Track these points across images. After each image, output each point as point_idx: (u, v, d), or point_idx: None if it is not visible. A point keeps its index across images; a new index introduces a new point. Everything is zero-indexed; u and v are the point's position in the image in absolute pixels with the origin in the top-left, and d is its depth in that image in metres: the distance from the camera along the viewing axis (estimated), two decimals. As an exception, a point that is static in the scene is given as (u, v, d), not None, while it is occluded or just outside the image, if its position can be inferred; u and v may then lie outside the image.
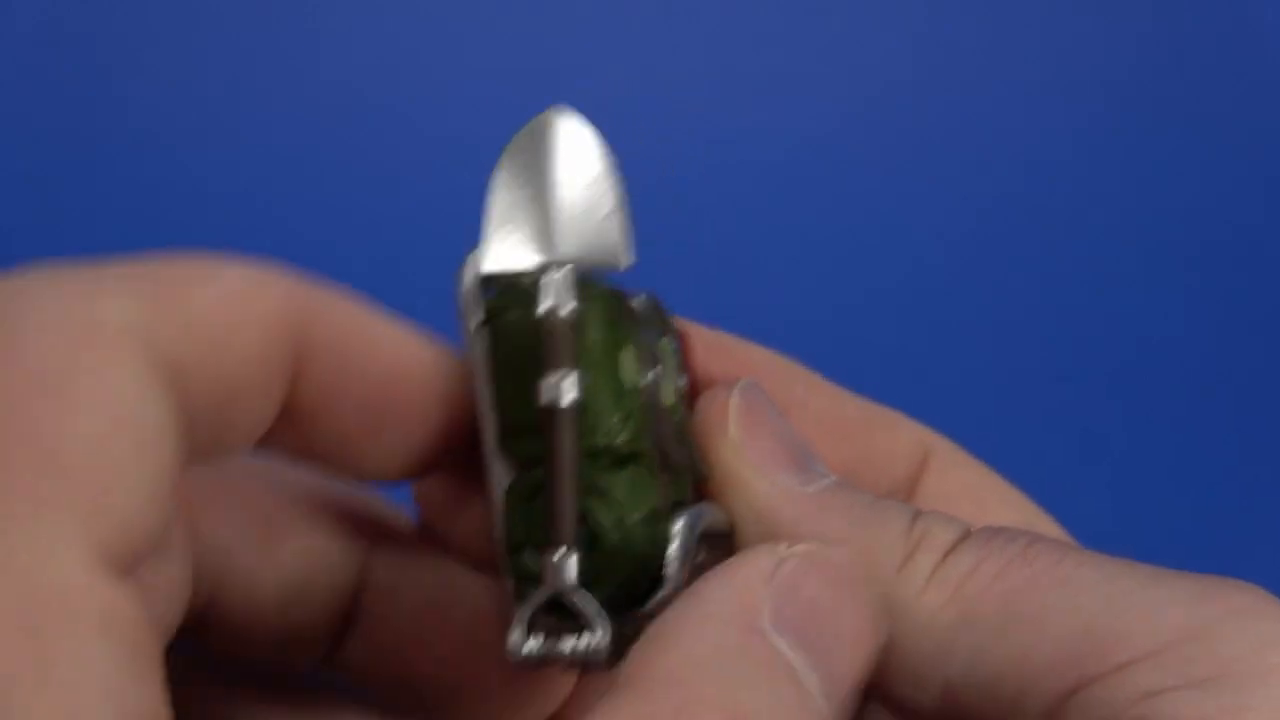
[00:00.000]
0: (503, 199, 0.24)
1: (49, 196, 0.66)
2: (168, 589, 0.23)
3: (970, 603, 0.22)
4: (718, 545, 0.24)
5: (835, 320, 0.65)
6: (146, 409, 0.20)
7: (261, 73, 0.68)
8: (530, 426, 0.23)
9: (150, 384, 0.20)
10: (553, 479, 0.23)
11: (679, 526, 0.23)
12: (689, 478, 0.24)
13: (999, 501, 0.28)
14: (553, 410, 0.23)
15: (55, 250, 0.72)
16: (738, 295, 0.58)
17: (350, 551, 0.27)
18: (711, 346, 0.27)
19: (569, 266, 0.23)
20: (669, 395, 0.25)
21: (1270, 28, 0.70)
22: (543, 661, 0.22)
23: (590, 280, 0.24)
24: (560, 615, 0.23)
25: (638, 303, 0.25)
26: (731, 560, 0.22)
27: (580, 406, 0.23)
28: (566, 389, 0.23)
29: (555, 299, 0.23)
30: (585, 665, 0.23)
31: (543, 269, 0.23)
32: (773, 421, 0.25)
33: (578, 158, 0.24)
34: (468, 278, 0.25)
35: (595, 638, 0.22)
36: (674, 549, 0.23)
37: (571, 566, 0.23)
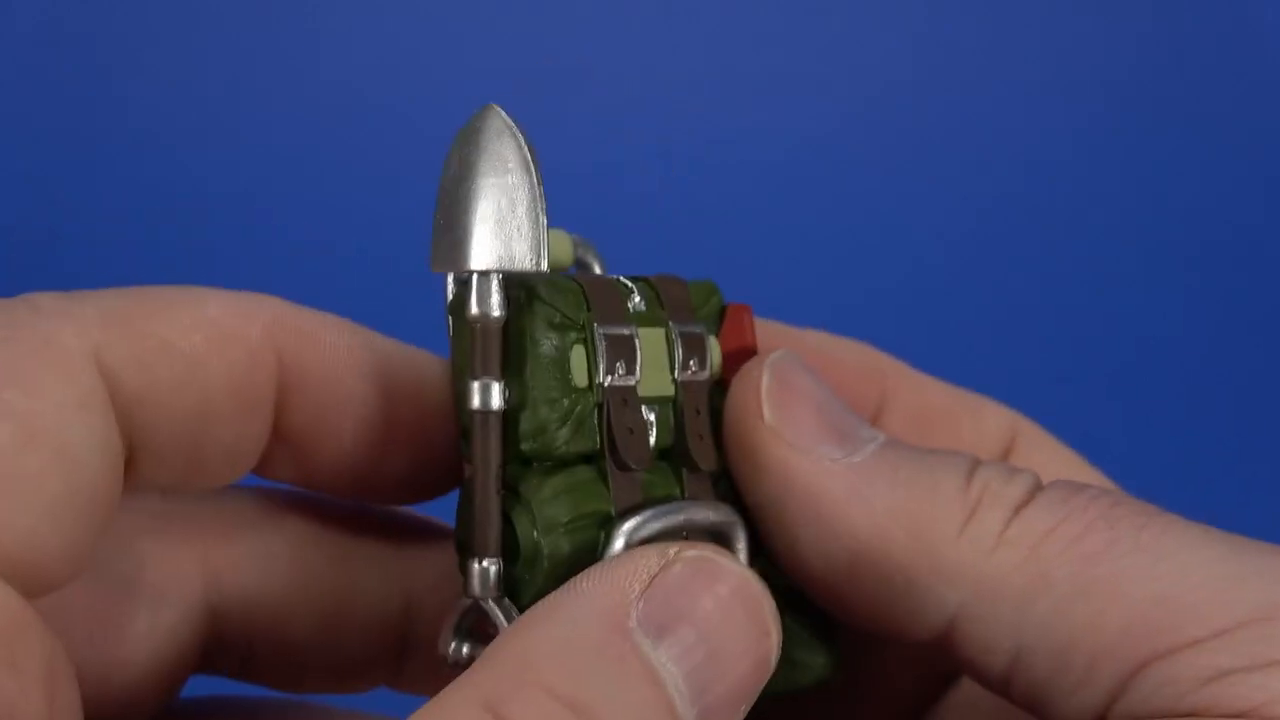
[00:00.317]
0: (445, 198, 0.23)
1: (49, 196, 0.66)
2: (152, 632, 0.23)
3: (1048, 565, 0.21)
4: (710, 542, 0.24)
5: (835, 320, 0.65)
6: (73, 429, 0.20)
7: (261, 73, 0.68)
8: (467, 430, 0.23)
9: (86, 406, 0.20)
10: (474, 485, 0.23)
11: (625, 528, 0.23)
12: (707, 467, 0.24)
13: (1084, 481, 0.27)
14: (473, 416, 0.23)
15: (55, 250, 0.72)
16: (737, 295, 0.58)
17: (392, 576, 0.27)
18: (785, 339, 0.26)
19: (492, 272, 0.22)
20: (690, 381, 0.24)
21: (1270, 28, 0.70)
22: (471, 664, 0.22)
23: (540, 279, 0.24)
24: (486, 621, 0.23)
25: (641, 289, 0.25)
26: (620, 556, 0.21)
27: (507, 413, 0.23)
28: (486, 395, 0.22)
29: (478, 306, 0.22)
30: None
31: (474, 274, 0.23)
32: (810, 392, 0.24)
33: (505, 156, 0.23)
34: (449, 280, 0.25)
35: None
36: (614, 552, 0.23)
37: (491, 575, 0.23)
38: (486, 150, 0.23)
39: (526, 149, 0.23)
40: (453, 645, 0.23)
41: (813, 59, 0.70)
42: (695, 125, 0.68)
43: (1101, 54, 0.70)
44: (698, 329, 0.25)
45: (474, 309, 0.22)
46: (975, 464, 0.23)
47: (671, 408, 0.24)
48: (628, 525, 0.23)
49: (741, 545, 0.24)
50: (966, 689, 0.27)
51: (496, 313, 0.22)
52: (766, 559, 0.24)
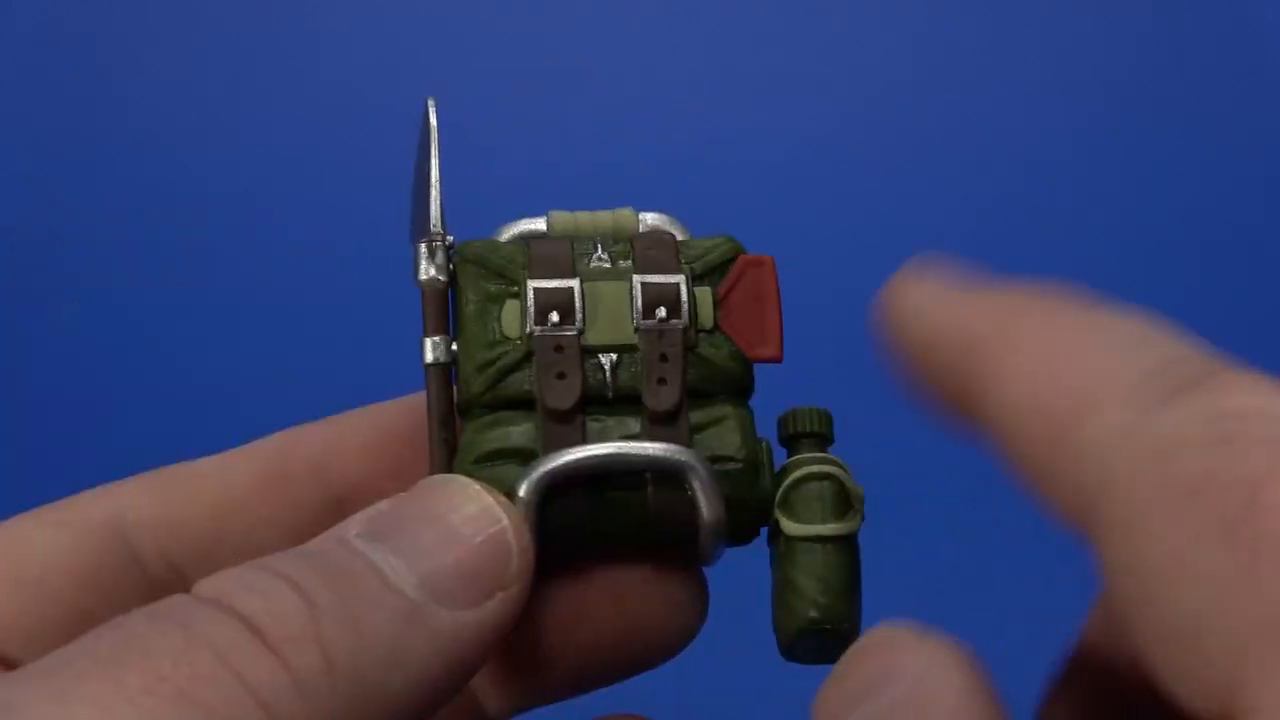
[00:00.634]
0: (415, 179, 0.27)
1: (49, 196, 0.66)
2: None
3: None
4: (666, 483, 0.25)
5: (834, 319, 0.65)
6: (40, 538, 0.25)
7: (261, 73, 0.69)
8: None
9: (62, 527, 0.25)
10: (429, 431, 0.26)
11: (536, 464, 0.25)
12: (657, 407, 0.25)
13: None
14: (425, 370, 0.26)
15: (55, 250, 0.72)
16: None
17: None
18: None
19: (427, 239, 0.26)
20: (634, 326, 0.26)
21: (1270, 28, 0.70)
22: None
23: (488, 245, 0.26)
24: None
25: (616, 248, 0.27)
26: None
27: (449, 366, 0.26)
28: (434, 351, 0.26)
29: (422, 271, 0.26)
30: None
31: (415, 246, 0.26)
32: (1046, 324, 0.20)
33: (424, 144, 0.26)
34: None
35: None
36: (523, 485, 0.24)
37: None
38: (419, 142, 0.26)
39: (433, 132, 0.26)
40: None
41: (813, 59, 0.70)
42: (695, 125, 0.68)
43: (1101, 54, 0.70)
44: (673, 279, 0.26)
45: (420, 275, 0.26)
46: None
47: (632, 354, 0.26)
48: (539, 461, 0.25)
49: (698, 486, 0.25)
50: None
51: (436, 276, 0.26)
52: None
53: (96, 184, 0.66)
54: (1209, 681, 0.16)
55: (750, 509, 0.26)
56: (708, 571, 0.27)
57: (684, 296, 0.26)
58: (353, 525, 0.23)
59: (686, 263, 0.26)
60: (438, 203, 0.26)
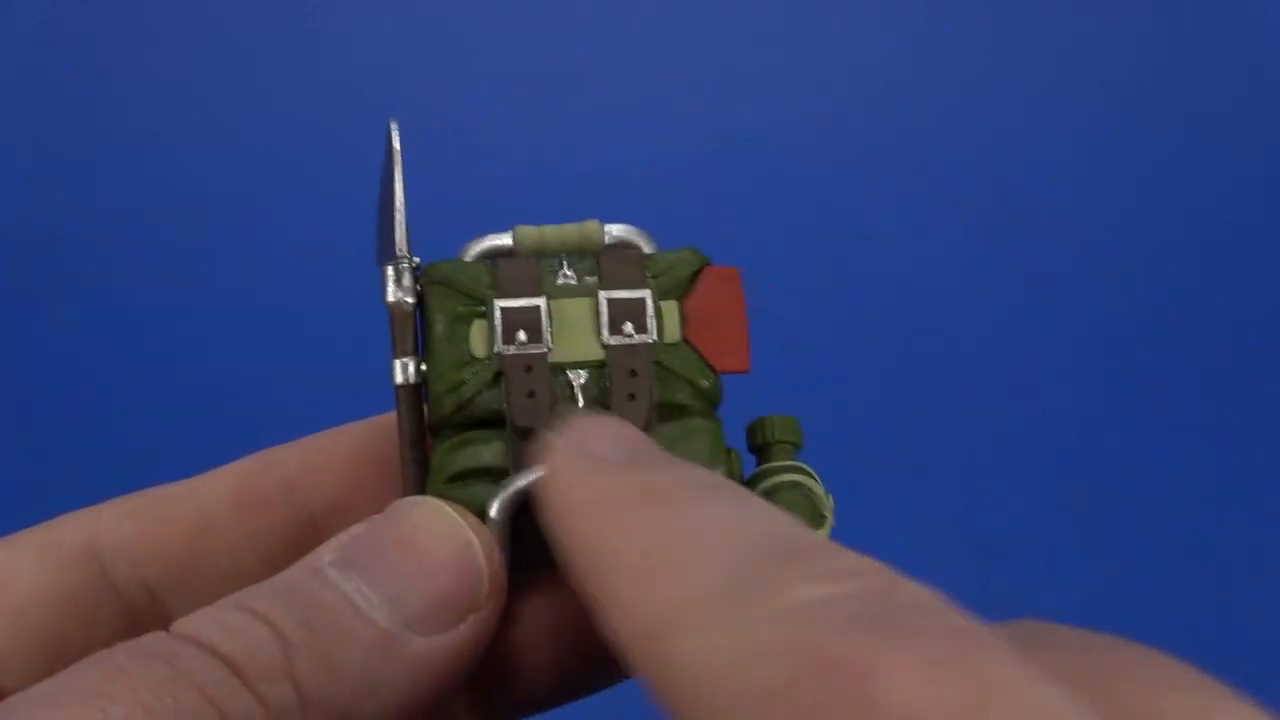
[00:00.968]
0: (380, 201, 0.27)
1: (49, 196, 0.66)
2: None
3: None
4: None
5: (835, 319, 0.65)
6: (19, 575, 0.25)
7: (261, 73, 0.69)
8: None
9: (42, 551, 0.26)
10: (400, 451, 0.26)
11: (507, 482, 0.25)
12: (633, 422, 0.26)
13: None
14: (395, 391, 0.26)
15: (55, 250, 0.72)
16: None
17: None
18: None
19: (394, 261, 0.26)
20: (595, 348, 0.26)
21: (1270, 28, 0.70)
22: None
23: (454, 266, 0.26)
24: None
25: (581, 265, 0.27)
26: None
27: (419, 387, 0.26)
28: (403, 371, 0.26)
29: (389, 294, 0.26)
30: None
31: (382, 269, 0.26)
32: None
33: (388, 167, 0.26)
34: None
35: None
36: (494, 505, 0.24)
37: None
38: (384, 164, 0.26)
39: (396, 155, 0.26)
40: None
41: (813, 59, 0.70)
42: (695, 125, 0.68)
43: (1101, 54, 0.70)
44: (639, 295, 0.26)
45: (387, 297, 0.26)
46: None
47: (600, 371, 0.26)
48: (509, 480, 0.25)
49: None
50: None
51: (406, 298, 0.26)
52: None
53: (96, 184, 0.66)
54: None
55: None
56: None
57: (650, 311, 0.26)
58: (325, 553, 0.23)
59: (652, 276, 0.27)
60: (403, 226, 0.26)
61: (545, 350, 0.26)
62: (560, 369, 0.26)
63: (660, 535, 0.19)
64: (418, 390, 0.26)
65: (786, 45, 0.70)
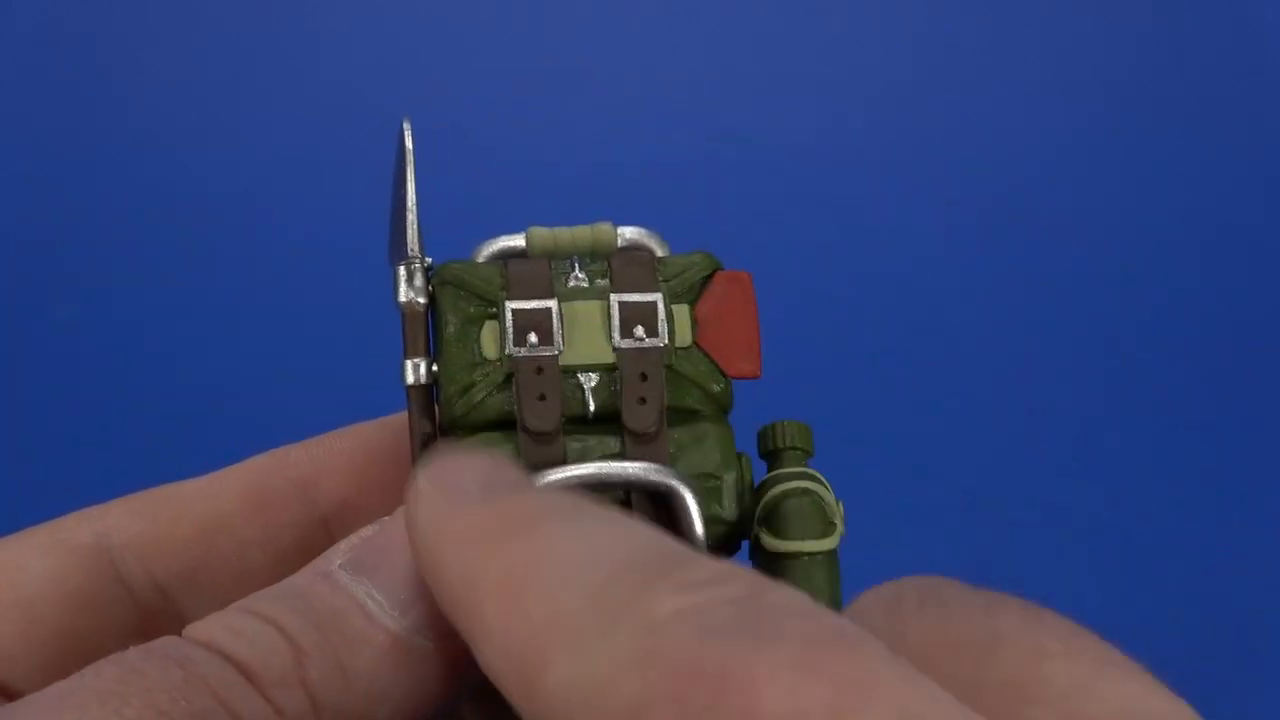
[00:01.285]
0: (393, 201, 0.27)
1: (49, 196, 0.66)
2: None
3: None
4: (647, 502, 0.25)
5: (835, 319, 0.65)
6: (30, 564, 0.25)
7: (261, 73, 0.69)
8: None
9: (48, 551, 0.26)
10: (411, 452, 0.26)
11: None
12: (638, 428, 0.25)
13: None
14: (407, 391, 0.26)
15: (55, 250, 0.72)
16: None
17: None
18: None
19: (406, 261, 0.26)
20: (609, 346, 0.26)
21: (1270, 28, 0.70)
22: None
23: (465, 266, 0.26)
24: None
25: (593, 267, 0.26)
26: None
27: (430, 387, 0.26)
28: (414, 372, 0.26)
29: (401, 294, 0.26)
30: None
31: (395, 268, 0.26)
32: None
33: (400, 166, 0.26)
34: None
35: None
36: None
37: None
38: (396, 164, 0.26)
39: (409, 155, 0.26)
40: None
41: (813, 59, 0.70)
42: (695, 125, 0.68)
43: (1101, 54, 0.70)
44: (650, 298, 0.26)
45: (399, 298, 0.26)
46: None
47: (611, 374, 0.26)
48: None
49: (680, 504, 0.25)
50: None
51: (418, 299, 0.26)
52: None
53: (96, 184, 0.66)
54: None
55: (730, 526, 0.26)
56: None
57: (661, 314, 0.26)
58: (336, 555, 0.23)
59: (664, 280, 0.27)
60: (415, 225, 0.26)
61: (556, 352, 0.26)
62: (571, 371, 0.26)
63: (523, 561, 0.19)
64: (429, 391, 0.26)
65: (786, 45, 0.70)
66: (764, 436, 0.27)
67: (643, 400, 0.26)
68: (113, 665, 0.20)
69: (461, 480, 0.21)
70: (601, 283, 0.26)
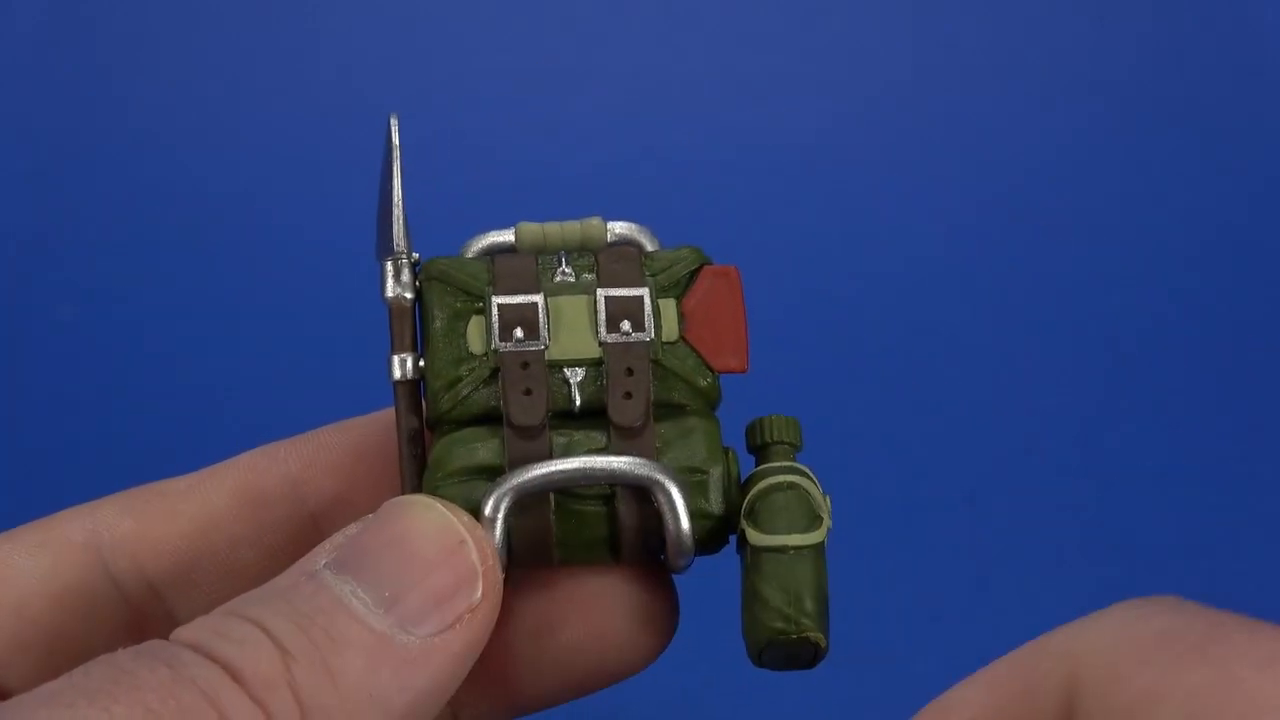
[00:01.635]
0: (380, 197, 0.27)
1: (49, 196, 0.66)
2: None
3: None
4: (633, 496, 0.25)
5: (835, 319, 0.65)
6: (21, 570, 0.26)
7: (261, 73, 0.68)
8: None
9: (42, 548, 0.26)
10: (398, 447, 0.26)
11: (501, 480, 0.25)
12: (625, 422, 0.25)
13: None
14: (393, 386, 0.26)
15: (55, 250, 0.72)
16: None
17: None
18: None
19: (393, 256, 0.26)
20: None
21: (1270, 28, 0.70)
22: None
23: (452, 262, 0.26)
24: None
25: (580, 262, 0.26)
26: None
27: (417, 383, 0.26)
28: (401, 367, 0.26)
29: (388, 289, 0.26)
30: None
31: (381, 264, 0.26)
32: None
33: (388, 163, 0.26)
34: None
35: None
36: (488, 502, 0.24)
37: None
38: (383, 159, 0.26)
39: (395, 150, 0.26)
40: None
41: (813, 59, 0.70)
42: (695, 125, 0.68)
43: (1101, 54, 0.70)
44: (636, 293, 0.26)
45: (386, 293, 0.26)
46: None
47: (598, 369, 0.26)
48: (504, 478, 0.25)
49: (664, 498, 0.25)
50: None
51: (404, 294, 0.26)
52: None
53: (96, 184, 0.66)
54: None
55: (717, 520, 0.26)
56: (684, 578, 0.27)
57: (648, 309, 0.26)
58: (321, 555, 0.23)
59: (651, 275, 0.27)
60: (400, 221, 0.26)
61: (542, 347, 0.26)
62: (557, 366, 0.26)
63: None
64: (416, 386, 0.26)
65: (787, 45, 0.70)
66: (752, 431, 0.27)
67: (629, 395, 0.26)
68: (102, 665, 0.20)
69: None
70: (588, 277, 0.26)
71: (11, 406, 0.62)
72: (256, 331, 0.64)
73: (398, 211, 0.26)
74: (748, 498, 0.26)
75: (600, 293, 0.26)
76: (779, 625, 0.25)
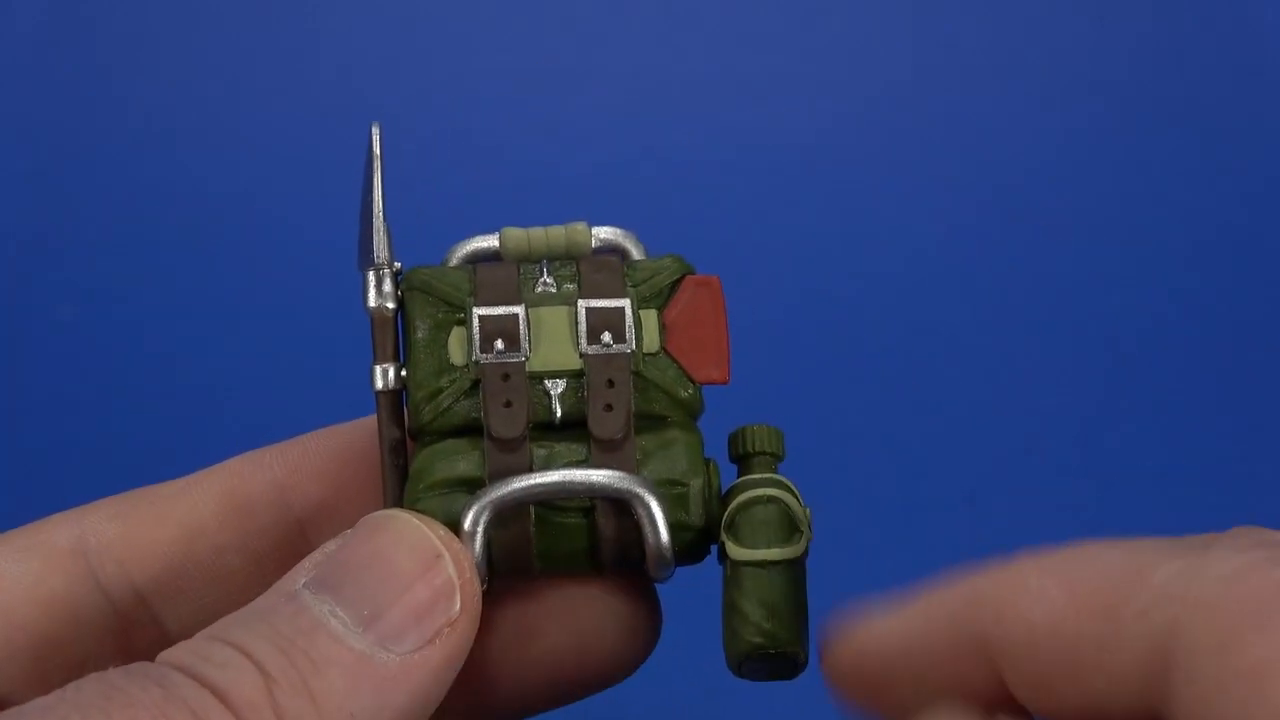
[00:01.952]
0: (362, 205, 0.27)
1: (49, 196, 0.66)
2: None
3: None
4: (613, 508, 0.25)
5: (835, 320, 0.65)
6: (8, 576, 0.26)
7: (261, 73, 0.68)
8: None
9: (29, 553, 0.26)
10: (380, 458, 0.26)
11: (480, 493, 0.25)
12: (605, 435, 0.25)
13: None
14: (376, 397, 0.26)
15: (55, 250, 0.72)
16: (737, 295, 0.57)
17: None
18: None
19: (375, 267, 0.26)
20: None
21: (1270, 28, 0.70)
22: None
23: (433, 271, 0.26)
24: None
25: (561, 272, 0.26)
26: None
27: (399, 393, 0.26)
28: (382, 377, 0.26)
29: (370, 299, 0.26)
30: None
31: (364, 273, 0.26)
32: None
33: (369, 173, 0.26)
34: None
35: None
36: (468, 515, 0.24)
37: None
38: (365, 168, 0.26)
39: (377, 160, 0.26)
40: None
41: (813, 59, 0.70)
42: (695, 125, 0.68)
43: (1101, 54, 0.70)
44: (618, 304, 0.26)
45: (368, 303, 0.26)
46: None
47: (579, 380, 0.26)
48: (483, 491, 0.25)
49: (643, 511, 0.25)
50: None
51: (386, 304, 0.26)
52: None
53: (96, 184, 0.66)
54: None
55: (696, 532, 0.26)
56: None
57: (629, 320, 0.26)
58: (300, 574, 0.23)
59: (633, 284, 0.26)
60: (382, 231, 0.26)
61: (523, 359, 0.26)
62: (538, 378, 0.26)
63: (1069, 560, 0.22)
64: (398, 396, 0.26)
65: (787, 45, 0.70)
66: (734, 440, 0.27)
67: (609, 407, 0.25)
68: (94, 682, 0.21)
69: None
70: (569, 288, 0.26)
71: (11, 406, 0.62)
72: (256, 332, 0.64)
73: (378, 222, 0.26)
74: (728, 510, 0.26)
75: (581, 304, 0.26)
76: (757, 640, 0.25)
